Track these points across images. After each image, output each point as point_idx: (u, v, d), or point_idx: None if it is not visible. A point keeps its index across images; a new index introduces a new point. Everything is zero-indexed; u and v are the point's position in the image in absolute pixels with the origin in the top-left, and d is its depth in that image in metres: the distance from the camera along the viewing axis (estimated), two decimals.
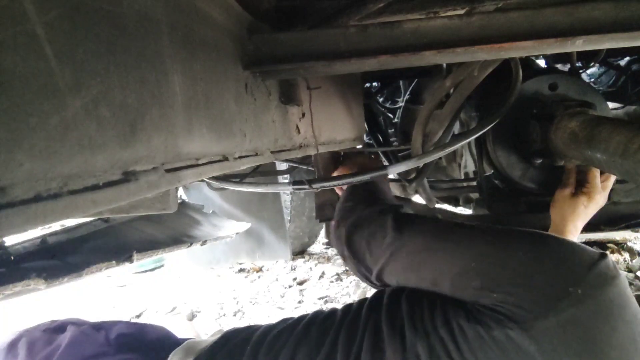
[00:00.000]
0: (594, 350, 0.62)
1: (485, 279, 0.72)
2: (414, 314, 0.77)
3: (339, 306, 0.96)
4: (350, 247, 0.98)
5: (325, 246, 3.61)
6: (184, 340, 1.05)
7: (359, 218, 1.00)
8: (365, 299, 0.92)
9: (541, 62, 1.74)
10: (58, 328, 1.08)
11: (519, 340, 0.64)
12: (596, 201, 1.10)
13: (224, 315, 2.48)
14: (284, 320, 0.96)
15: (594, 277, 0.65)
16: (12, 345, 1.04)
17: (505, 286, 0.69)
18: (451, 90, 1.10)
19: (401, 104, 1.89)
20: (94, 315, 2.59)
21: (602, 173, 1.11)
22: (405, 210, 0.97)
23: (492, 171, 1.36)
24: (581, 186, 1.09)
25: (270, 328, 0.94)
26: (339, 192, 1.33)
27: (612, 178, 1.14)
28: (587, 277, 0.65)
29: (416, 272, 0.84)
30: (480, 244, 0.77)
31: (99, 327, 1.07)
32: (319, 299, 2.53)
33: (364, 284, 2.67)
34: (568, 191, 1.10)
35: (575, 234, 1.11)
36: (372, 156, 1.53)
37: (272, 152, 0.75)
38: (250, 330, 0.96)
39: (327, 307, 2.40)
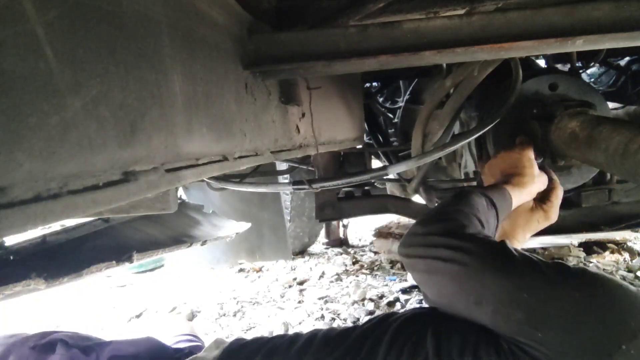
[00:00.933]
0: None
1: (531, 313, 0.65)
2: (441, 349, 0.71)
3: (340, 307, 0.92)
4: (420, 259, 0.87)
5: (325, 246, 3.61)
6: (179, 350, 1.03)
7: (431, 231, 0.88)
8: (382, 320, 0.86)
9: (541, 62, 1.74)
10: (47, 346, 1.04)
11: None
12: (550, 220, 1.06)
13: (224, 315, 2.48)
14: (292, 337, 0.90)
15: None
16: None
17: (552, 326, 0.63)
18: (451, 90, 1.10)
19: (401, 104, 1.89)
20: (94, 315, 2.59)
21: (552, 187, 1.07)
22: (471, 231, 0.86)
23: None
24: (541, 202, 1.06)
25: (276, 346, 0.88)
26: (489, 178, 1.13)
27: (560, 191, 1.09)
28: (638, 335, 0.60)
29: (461, 288, 0.76)
30: (532, 274, 0.69)
31: (90, 349, 1.04)
32: (319, 299, 2.53)
33: (364, 284, 2.67)
34: (528, 204, 1.06)
35: (522, 244, 1.07)
36: (370, 157, 1.48)
37: (272, 152, 0.75)
38: (254, 346, 0.91)
39: (327, 307, 2.40)
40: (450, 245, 0.78)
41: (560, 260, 0.75)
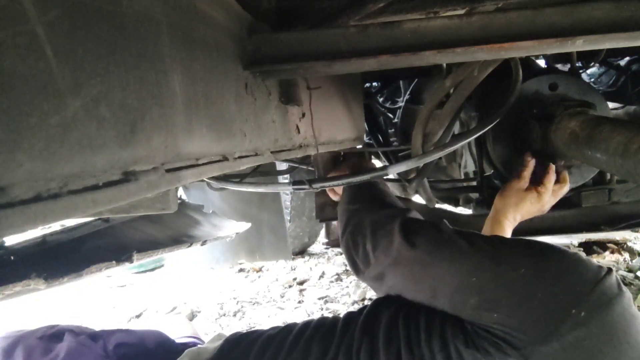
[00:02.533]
0: None
1: (483, 297, 0.68)
2: (411, 338, 0.74)
3: (340, 307, 0.94)
4: (355, 251, 0.96)
5: (325, 246, 3.61)
6: (183, 344, 1.05)
7: (368, 221, 0.96)
8: (356, 313, 0.89)
9: (541, 62, 1.74)
10: (55, 336, 1.06)
11: None
12: (543, 203, 1.09)
13: (224, 315, 2.48)
14: (287, 328, 0.94)
15: (597, 296, 0.62)
16: (8, 352, 1.02)
17: (504, 306, 0.66)
18: (451, 91, 1.10)
19: (401, 104, 1.89)
20: (94, 315, 2.58)
21: (557, 181, 1.10)
22: (412, 215, 0.94)
23: (492, 171, 1.36)
24: (536, 184, 1.08)
25: (272, 336, 0.91)
26: (332, 195, 1.32)
27: (566, 188, 1.12)
28: (590, 297, 0.62)
29: (415, 283, 0.81)
30: (480, 256, 0.73)
31: (97, 336, 1.06)
32: (319, 299, 2.53)
33: (363, 285, 2.67)
34: (521, 184, 1.08)
35: (511, 226, 1.09)
36: (371, 157, 1.52)
37: (272, 152, 0.75)
38: (253, 337, 0.94)
39: (327, 307, 2.40)
40: (392, 245, 0.84)
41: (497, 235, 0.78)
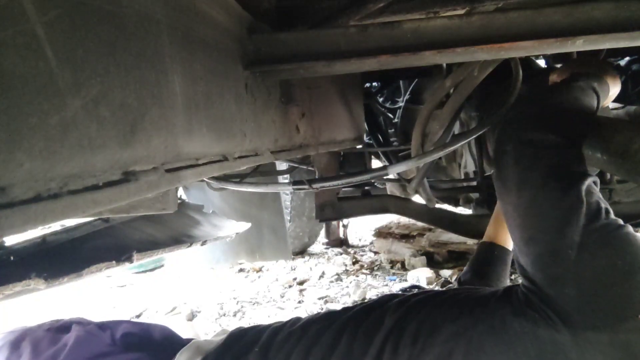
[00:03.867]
0: None
1: (568, 269, 0.67)
2: (451, 309, 0.76)
3: (339, 307, 0.94)
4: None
5: (325, 246, 3.61)
6: (189, 340, 1.05)
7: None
8: (383, 300, 0.89)
9: (541, 62, 1.74)
10: (62, 327, 1.07)
11: (563, 343, 0.63)
12: None
13: (224, 315, 2.48)
14: (293, 321, 0.95)
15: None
16: (16, 344, 1.03)
17: (576, 289, 0.66)
18: (451, 91, 1.10)
19: (401, 104, 1.89)
20: (94, 315, 2.59)
21: None
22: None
23: (492, 171, 1.36)
24: None
25: (278, 328, 0.92)
26: None
27: None
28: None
29: (522, 219, 0.75)
30: (581, 226, 0.68)
31: (105, 326, 1.06)
32: (319, 299, 2.53)
33: (364, 284, 2.67)
34: None
35: (510, 244, 1.10)
36: (370, 157, 1.51)
37: (272, 152, 0.75)
38: (257, 329, 0.95)
39: (327, 307, 2.40)
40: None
41: (617, 219, 0.75)
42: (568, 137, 0.77)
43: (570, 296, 0.66)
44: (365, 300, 0.93)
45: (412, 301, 0.84)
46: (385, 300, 0.88)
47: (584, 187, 0.71)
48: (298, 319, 0.94)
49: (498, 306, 0.72)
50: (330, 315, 0.91)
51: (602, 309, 0.64)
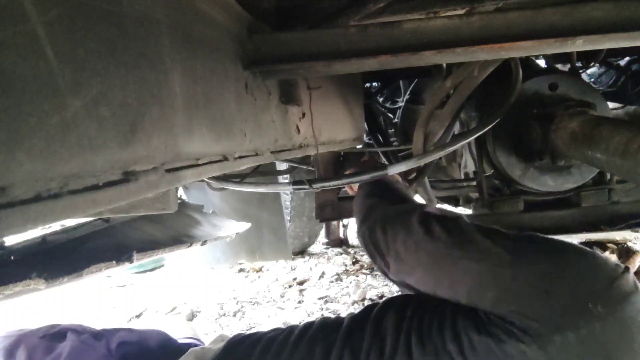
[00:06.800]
0: None
1: (501, 291, 0.70)
2: (422, 329, 0.75)
3: (340, 307, 0.94)
4: (374, 243, 0.96)
5: (325, 246, 3.61)
6: (185, 344, 1.04)
7: (384, 215, 0.97)
8: (372, 306, 0.90)
9: (541, 62, 1.74)
10: (57, 335, 1.06)
11: (532, 354, 0.63)
12: None
13: (224, 315, 2.48)
14: (289, 329, 0.94)
15: (614, 292, 0.64)
16: (11, 351, 1.02)
17: (522, 299, 0.67)
18: (451, 91, 1.10)
19: (401, 104, 1.89)
20: (93, 315, 2.59)
21: None
22: (430, 209, 0.94)
23: (492, 171, 1.36)
24: None
25: (273, 338, 0.91)
26: (349, 190, 1.33)
27: None
28: (607, 292, 0.64)
29: (436, 276, 0.82)
30: (499, 252, 0.73)
31: (100, 335, 1.05)
32: (319, 299, 2.53)
33: (364, 284, 2.67)
34: None
35: None
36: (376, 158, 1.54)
37: (272, 152, 0.75)
38: (254, 338, 0.94)
39: (327, 307, 2.40)
40: (414, 227, 0.86)
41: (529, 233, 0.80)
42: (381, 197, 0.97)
43: (518, 312, 0.66)
44: (365, 301, 0.93)
45: (388, 319, 0.83)
46: (369, 311, 0.88)
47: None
48: (293, 327, 0.94)
49: (465, 325, 0.71)
50: (323, 325, 0.91)
51: (555, 311, 0.64)
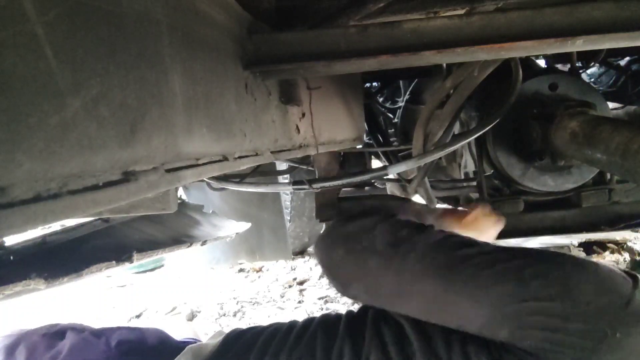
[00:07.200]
0: None
1: (515, 327, 0.66)
2: (427, 344, 0.73)
3: (340, 307, 0.95)
4: (331, 260, 0.91)
5: None
6: (184, 342, 1.05)
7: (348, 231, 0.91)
8: (364, 309, 0.89)
9: (541, 62, 1.74)
10: (57, 333, 1.06)
11: None
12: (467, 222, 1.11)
13: (224, 315, 2.48)
14: (289, 325, 0.94)
15: (630, 315, 0.62)
16: (11, 349, 1.02)
17: (539, 333, 0.64)
18: (451, 91, 1.10)
19: (401, 104, 1.89)
20: (93, 315, 2.58)
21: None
22: (396, 221, 0.89)
23: (492, 171, 1.36)
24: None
25: (274, 333, 0.92)
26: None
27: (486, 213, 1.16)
28: (623, 317, 0.62)
29: (437, 317, 0.76)
30: (504, 284, 0.69)
31: (100, 333, 1.06)
32: (319, 299, 2.53)
33: None
34: (488, 207, 1.10)
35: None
36: (370, 157, 1.53)
37: (272, 152, 0.75)
38: (253, 332, 0.95)
39: (327, 307, 2.40)
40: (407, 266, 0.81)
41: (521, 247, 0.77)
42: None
43: (536, 347, 0.64)
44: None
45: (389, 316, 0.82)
46: (368, 308, 0.88)
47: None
48: (295, 323, 0.94)
49: (476, 349, 0.69)
50: (324, 322, 0.91)
51: (575, 343, 0.62)
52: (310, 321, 0.92)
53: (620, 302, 0.63)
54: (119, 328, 1.10)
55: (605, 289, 0.65)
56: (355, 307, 2.30)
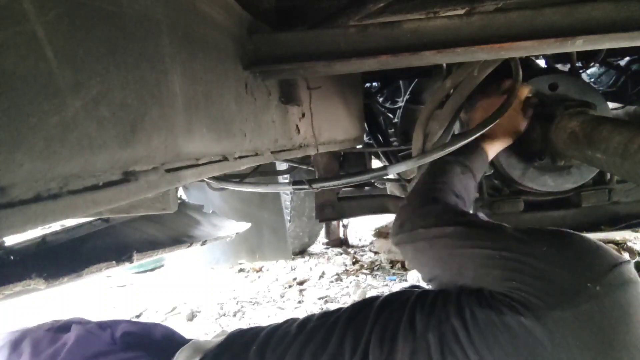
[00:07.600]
0: (605, 347, 0.63)
1: (505, 268, 0.73)
2: (426, 305, 0.79)
3: (339, 306, 0.95)
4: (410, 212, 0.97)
5: (325, 246, 3.61)
6: (189, 339, 1.05)
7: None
8: (370, 299, 0.91)
9: (541, 62, 1.74)
10: (62, 327, 1.07)
11: (531, 327, 0.66)
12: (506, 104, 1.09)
13: (224, 315, 2.48)
14: (290, 321, 0.96)
15: (613, 277, 0.66)
16: (16, 344, 1.03)
17: (525, 277, 0.70)
18: (451, 91, 1.10)
19: (401, 104, 1.89)
20: (94, 315, 2.59)
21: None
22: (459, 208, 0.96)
23: (492, 171, 1.36)
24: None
25: (275, 328, 0.94)
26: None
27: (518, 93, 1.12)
28: (607, 276, 0.66)
29: (444, 262, 0.86)
30: (506, 238, 0.78)
31: (105, 325, 1.07)
32: (319, 299, 2.54)
33: (364, 284, 2.68)
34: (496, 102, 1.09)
35: (504, 142, 1.13)
36: (370, 157, 1.52)
37: (272, 152, 0.75)
38: (255, 330, 0.96)
39: (327, 307, 2.40)
40: (430, 229, 0.88)
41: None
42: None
43: (519, 288, 0.70)
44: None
45: (395, 302, 0.86)
46: (373, 299, 0.91)
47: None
48: (295, 319, 0.95)
49: (468, 300, 0.74)
50: (325, 314, 0.93)
51: (555, 289, 0.67)
52: (310, 316, 0.94)
53: (607, 265, 0.68)
54: (123, 321, 1.11)
55: (598, 252, 0.71)
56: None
